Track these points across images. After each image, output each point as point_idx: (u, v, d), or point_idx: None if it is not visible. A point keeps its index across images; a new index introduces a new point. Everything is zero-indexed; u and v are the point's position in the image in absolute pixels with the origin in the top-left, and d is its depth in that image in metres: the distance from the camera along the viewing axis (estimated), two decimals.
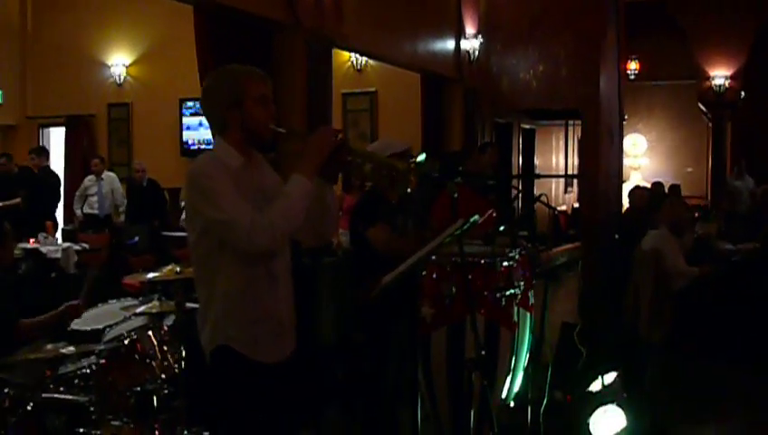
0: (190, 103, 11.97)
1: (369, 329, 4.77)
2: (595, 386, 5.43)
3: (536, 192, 13.19)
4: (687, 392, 6.50)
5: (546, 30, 11.42)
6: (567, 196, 16.79)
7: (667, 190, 13.43)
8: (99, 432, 4.20)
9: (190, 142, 12.40)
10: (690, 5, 14.56)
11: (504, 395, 4.82)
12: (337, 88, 10.60)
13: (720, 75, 14.68)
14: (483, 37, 11.19)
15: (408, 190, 4.13)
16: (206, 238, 2.96)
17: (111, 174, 11.71)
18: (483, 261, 4.57)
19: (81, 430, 4.17)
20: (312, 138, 2.99)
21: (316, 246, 3.20)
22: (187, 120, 12.41)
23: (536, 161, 14.89)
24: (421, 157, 4.36)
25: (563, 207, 16.27)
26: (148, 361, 4.68)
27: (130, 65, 13.09)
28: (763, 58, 16.05)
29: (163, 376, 4.69)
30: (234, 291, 2.97)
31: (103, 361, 4.49)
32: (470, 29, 11.07)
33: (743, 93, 15.20)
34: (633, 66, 17.72)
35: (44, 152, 11.65)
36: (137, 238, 10.50)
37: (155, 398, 4.65)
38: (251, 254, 2.88)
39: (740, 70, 14.68)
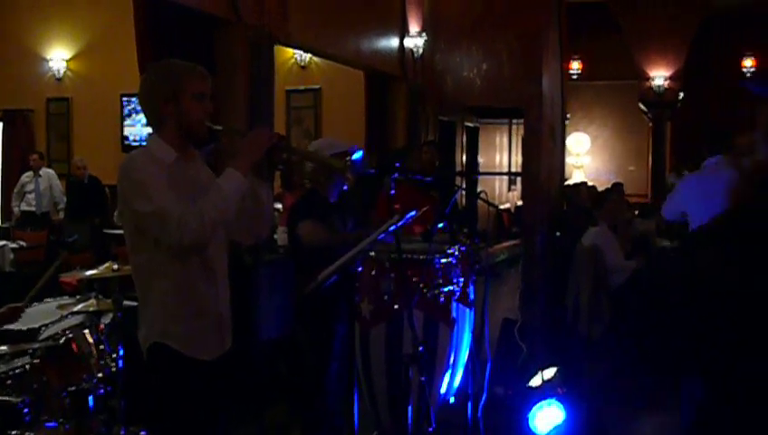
0: (132, 99, 11.81)
1: (308, 325, 4.76)
2: (535, 381, 5.50)
3: (479, 190, 13.31)
4: (625, 387, 6.61)
5: (489, 29, 11.49)
6: (510, 194, 16.94)
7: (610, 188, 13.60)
8: (32, 434, 4.13)
9: (131, 138, 12.22)
10: (631, 7, 14.80)
11: (443, 391, 4.84)
12: (281, 85, 10.58)
13: (659, 76, 14.96)
14: (427, 35, 11.22)
15: (346, 187, 4.15)
16: (140, 233, 2.94)
17: (50, 170, 11.52)
18: (421, 257, 4.60)
19: (14, 433, 4.09)
20: (248, 136, 3.01)
21: (252, 244, 3.19)
22: (128, 116, 12.25)
23: (480, 159, 14.99)
24: (357, 154, 4.38)
25: (507, 205, 16.42)
26: (84, 360, 4.62)
27: (70, 59, 12.84)
28: (701, 60, 16.39)
29: (100, 375, 4.64)
30: (170, 286, 2.96)
31: (37, 360, 4.41)
32: (414, 27, 11.10)
33: (681, 94, 15.49)
34: (575, 66, 17.95)
35: None
36: (76, 236, 10.33)
37: (91, 397, 4.59)
38: (181, 247, 2.86)
39: (679, 71, 14.97)
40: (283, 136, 3.11)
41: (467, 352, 4.98)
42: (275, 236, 7.36)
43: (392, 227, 3.24)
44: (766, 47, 18.01)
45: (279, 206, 8.14)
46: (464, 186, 5.85)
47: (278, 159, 3.03)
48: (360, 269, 4.42)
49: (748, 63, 17.98)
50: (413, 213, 3.32)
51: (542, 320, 7.66)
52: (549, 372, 5.49)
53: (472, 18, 11.51)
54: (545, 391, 5.25)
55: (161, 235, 2.84)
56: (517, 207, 15.67)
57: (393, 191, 3.52)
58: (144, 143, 3.09)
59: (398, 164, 4.62)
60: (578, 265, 7.41)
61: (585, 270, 7.32)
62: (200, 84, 3.02)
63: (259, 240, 3.24)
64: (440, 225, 4.96)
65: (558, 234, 9.31)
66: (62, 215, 11.35)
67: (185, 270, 2.96)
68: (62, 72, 12.86)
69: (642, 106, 15.51)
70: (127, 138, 12.26)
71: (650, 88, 15.06)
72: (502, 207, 15.70)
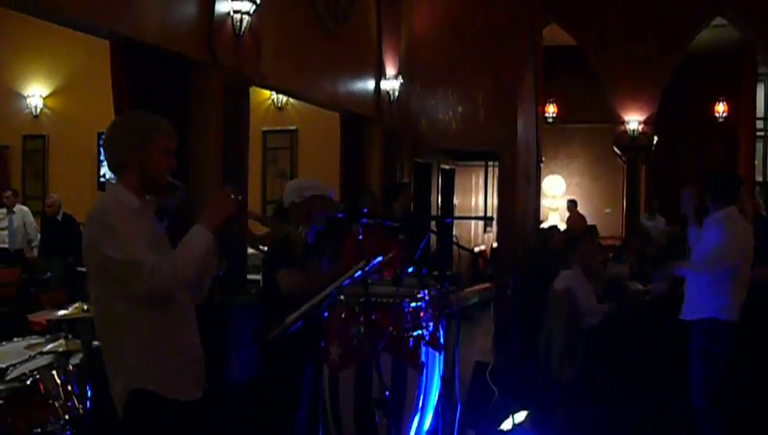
0: None
1: (276, 368, 4.75)
2: (506, 425, 5.49)
3: (455, 232, 13.35)
4: (597, 431, 6.61)
5: (465, 72, 11.64)
6: (486, 235, 16.99)
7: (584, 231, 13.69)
8: None
9: (108, 177, 12.18)
10: (605, 52, 15.02)
11: (412, 434, 4.83)
12: (257, 125, 10.62)
13: (634, 120, 15.13)
14: (403, 78, 11.34)
15: (321, 228, 4.15)
16: (109, 281, 2.95)
17: (24, 207, 11.45)
18: (390, 301, 4.61)
19: None
20: (214, 196, 3.10)
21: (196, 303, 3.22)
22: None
23: (456, 201, 15.04)
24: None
25: (482, 247, 16.45)
26: (51, 401, 4.57)
27: (47, 96, 12.82)
28: (675, 104, 16.64)
29: (67, 417, 4.58)
30: (145, 331, 2.96)
31: (2, 401, 4.36)
32: (390, 70, 11.20)
33: (655, 138, 15.68)
34: (551, 109, 18.18)
35: None
36: (49, 274, 10.28)
37: None
38: (152, 295, 2.88)
39: (652, 115, 15.16)
40: (243, 201, 3.20)
41: (437, 396, 4.98)
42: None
43: (358, 273, 3.26)
44: (738, 93, 18.34)
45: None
46: (435, 229, 5.86)
47: (238, 217, 3.13)
48: (326, 314, 4.42)
49: (720, 108, 18.29)
50: (380, 258, 3.35)
51: (514, 363, 7.67)
52: (520, 416, 5.49)
53: (448, 62, 11.66)
54: (516, 434, 5.24)
55: (133, 282, 2.86)
56: (493, 250, 15.72)
57: (361, 236, 3.54)
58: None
59: (365, 209, 4.65)
60: (551, 308, 7.44)
61: (558, 313, 7.35)
62: (168, 141, 3.11)
63: (202, 300, 3.28)
64: (410, 269, 4.98)
65: (531, 276, 9.35)
66: (35, 252, 11.27)
67: (159, 313, 2.97)
68: (38, 108, 12.83)
69: (617, 149, 15.68)
70: (103, 176, 12.22)
71: (625, 132, 15.23)
72: (477, 249, 15.76)
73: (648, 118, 15.14)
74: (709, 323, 5.52)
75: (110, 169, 3.13)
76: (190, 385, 3.10)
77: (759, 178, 18.75)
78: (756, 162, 18.86)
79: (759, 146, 19.07)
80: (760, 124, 19.16)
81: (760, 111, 19.16)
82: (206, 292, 3.30)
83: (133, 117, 3.25)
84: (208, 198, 3.12)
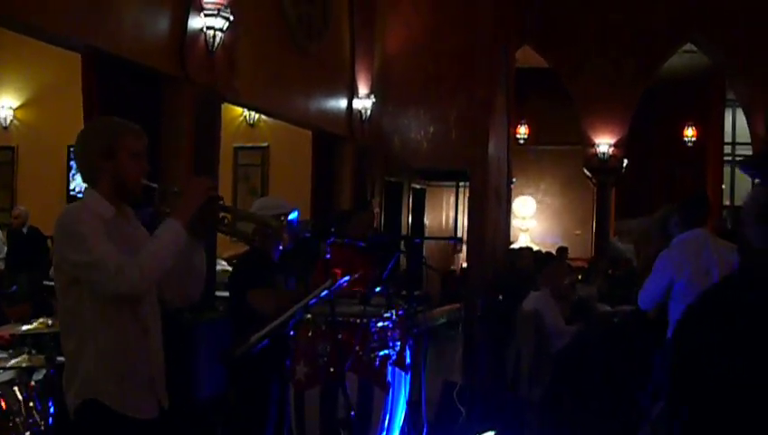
0: None
1: (242, 386, 4.73)
2: None
3: (425, 252, 13.36)
4: None
5: (438, 92, 11.71)
6: (457, 255, 17.02)
7: (555, 252, 13.76)
8: None
9: (77, 190, 12.09)
10: (577, 75, 15.16)
11: None
12: (229, 142, 10.60)
13: (604, 143, 15.26)
14: (375, 97, 11.37)
15: (281, 248, 4.15)
16: (75, 288, 2.91)
17: None
18: (357, 321, 4.61)
19: None
20: (187, 185, 3.02)
21: (183, 306, 3.17)
22: (74, 167, 12.13)
23: (426, 221, 15.06)
24: (293, 214, 4.41)
25: (453, 267, 16.47)
26: (11, 417, 4.52)
27: (17, 108, 12.72)
28: (644, 128, 16.82)
29: (28, 434, 4.53)
30: (104, 344, 2.91)
31: None
32: (363, 88, 11.24)
33: (625, 161, 15.83)
34: (522, 130, 18.30)
35: None
36: (15, 287, 10.16)
37: None
38: (117, 296, 2.85)
39: (623, 139, 15.30)
40: (220, 196, 3.12)
41: (403, 416, 4.98)
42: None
43: (324, 293, 3.26)
44: (706, 118, 18.60)
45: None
46: (404, 249, 5.87)
47: (214, 214, 3.04)
48: (292, 333, 4.41)
49: (689, 133, 18.53)
50: (346, 278, 3.35)
51: (482, 383, 7.69)
52: None
53: (421, 82, 11.73)
54: None
55: (98, 282, 2.81)
56: (463, 269, 15.76)
57: (329, 256, 3.54)
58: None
59: (333, 229, 4.65)
60: (519, 328, 7.48)
61: (526, 334, 7.39)
62: (136, 143, 3.03)
63: (191, 302, 3.22)
64: (377, 289, 4.99)
65: (500, 297, 9.39)
66: (1, 265, 11.14)
67: (120, 329, 2.93)
68: (8, 120, 12.72)
69: (587, 171, 15.80)
70: (73, 189, 12.13)
71: (595, 154, 15.34)
72: (450, 268, 15.79)
73: (618, 141, 15.28)
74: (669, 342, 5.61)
75: (84, 180, 3.07)
76: (146, 404, 3.04)
77: (726, 202, 18.98)
78: (724, 186, 19.10)
79: (727, 170, 19.31)
80: (728, 149, 19.41)
81: (728, 136, 19.40)
82: (194, 293, 3.22)
83: (99, 124, 3.19)
84: (181, 189, 3.03)
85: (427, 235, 14.47)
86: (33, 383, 4.79)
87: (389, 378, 4.72)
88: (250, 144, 12.05)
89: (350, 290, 4.59)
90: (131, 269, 2.79)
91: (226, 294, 6.74)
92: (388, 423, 4.81)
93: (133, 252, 2.89)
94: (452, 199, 16.19)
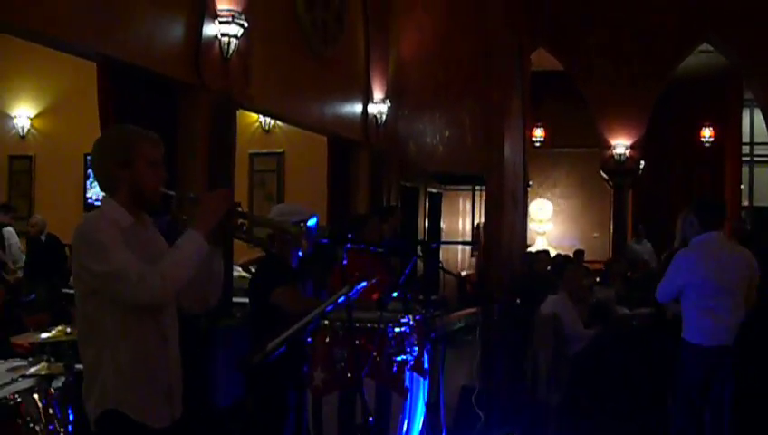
0: None
1: (259, 393, 4.72)
2: None
3: (442, 256, 13.34)
4: None
5: (453, 96, 11.70)
6: (473, 259, 16.98)
7: (572, 255, 13.71)
8: None
9: (95, 198, 12.14)
10: (592, 77, 15.11)
11: None
12: (245, 148, 10.61)
13: (621, 145, 15.20)
14: (390, 102, 11.36)
15: (301, 254, 4.15)
16: (95, 297, 2.91)
17: (10, 228, 11.39)
18: (374, 326, 4.59)
19: None
20: (207, 197, 3.02)
21: (200, 312, 3.17)
22: (91, 176, 12.18)
23: (443, 225, 15.04)
24: (312, 220, 4.40)
25: (469, 271, 16.43)
26: (32, 425, 4.53)
27: (35, 117, 12.79)
28: (661, 129, 16.74)
29: None
30: (124, 354, 2.92)
31: None
32: (378, 93, 11.23)
33: (642, 162, 15.76)
34: (539, 133, 18.26)
35: None
36: (33, 295, 10.20)
37: None
38: (138, 306, 2.85)
39: (639, 140, 15.24)
40: (238, 202, 3.12)
41: (422, 422, 4.96)
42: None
43: (341, 298, 3.25)
44: (724, 118, 18.49)
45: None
46: (421, 254, 5.86)
47: (233, 224, 3.04)
48: (309, 340, 4.40)
49: (706, 133, 18.42)
50: (364, 284, 3.34)
51: (500, 388, 7.65)
52: None
53: (435, 86, 11.70)
54: None
55: (120, 291, 2.81)
56: (479, 274, 15.70)
57: (345, 261, 3.54)
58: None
59: (350, 235, 4.64)
60: (537, 332, 7.44)
61: (544, 338, 7.35)
62: (153, 151, 3.03)
63: (208, 308, 3.22)
64: (394, 294, 4.97)
65: (518, 301, 9.36)
66: (20, 274, 11.19)
67: (140, 338, 2.93)
68: (25, 129, 12.79)
69: (603, 174, 15.74)
70: (90, 198, 12.18)
71: (612, 156, 15.29)
72: (464, 272, 15.73)
73: (635, 142, 15.22)
74: (682, 342, 5.60)
75: (101, 188, 3.07)
76: (162, 414, 3.04)
77: (745, 203, 18.87)
78: (742, 186, 18.99)
79: (745, 170, 19.21)
80: (746, 149, 19.30)
81: (746, 136, 19.29)
82: (212, 299, 3.22)
83: (115, 132, 3.17)
84: (200, 201, 3.03)
85: (443, 240, 14.45)
86: (52, 391, 4.80)
87: (407, 383, 4.70)
88: (265, 150, 12.05)
89: (366, 300, 4.58)
90: (153, 278, 2.79)
91: (243, 300, 6.77)
92: (407, 429, 4.79)
93: (152, 260, 2.89)
94: (468, 204, 16.16)
